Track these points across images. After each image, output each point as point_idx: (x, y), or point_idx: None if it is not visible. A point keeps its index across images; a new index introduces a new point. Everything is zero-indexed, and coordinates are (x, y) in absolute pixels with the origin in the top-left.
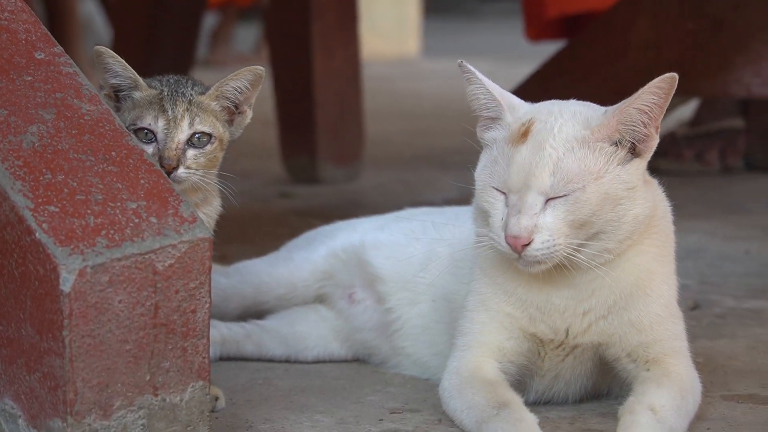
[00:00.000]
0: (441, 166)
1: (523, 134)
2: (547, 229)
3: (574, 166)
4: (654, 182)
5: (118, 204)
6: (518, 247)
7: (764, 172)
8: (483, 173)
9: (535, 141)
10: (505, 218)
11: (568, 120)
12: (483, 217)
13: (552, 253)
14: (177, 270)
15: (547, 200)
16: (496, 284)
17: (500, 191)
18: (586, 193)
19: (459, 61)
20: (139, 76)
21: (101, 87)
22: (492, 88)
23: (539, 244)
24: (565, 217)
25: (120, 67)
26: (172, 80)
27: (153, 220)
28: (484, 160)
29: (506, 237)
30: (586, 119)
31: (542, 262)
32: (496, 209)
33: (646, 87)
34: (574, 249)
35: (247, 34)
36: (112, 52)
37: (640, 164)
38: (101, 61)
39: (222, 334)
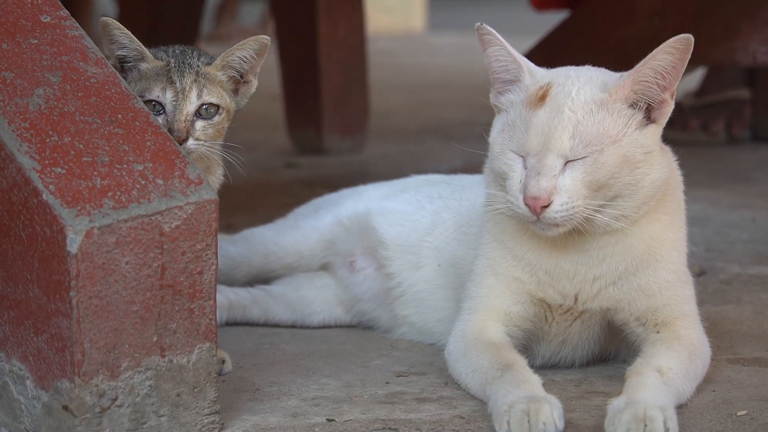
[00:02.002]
0: (445, 138)
1: (541, 98)
2: (566, 191)
3: (593, 128)
4: (668, 150)
5: (125, 166)
6: (537, 208)
7: None
8: (500, 137)
9: (554, 104)
10: (524, 180)
11: (585, 84)
12: (499, 180)
13: (571, 215)
14: (184, 231)
15: (566, 163)
16: (506, 248)
17: (518, 154)
18: (605, 155)
19: (478, 23)
20: (145, 48)
21: (107, 58)
22: (512, 50)
23: (558, 206)
24: (584, 179)
25: (126, 39)
26: (178, 51)
27: (159, 181)
28: (500, 123)
29: (525, 198)
30: (603, 83)
31: (560, 225)
32: (514, 171)
33: (660, 47)
34: (593, 211)
35: (253, 9)
36: (118, 23)
37: (656, 130)
38: (107, 32)
39: (229, 298)
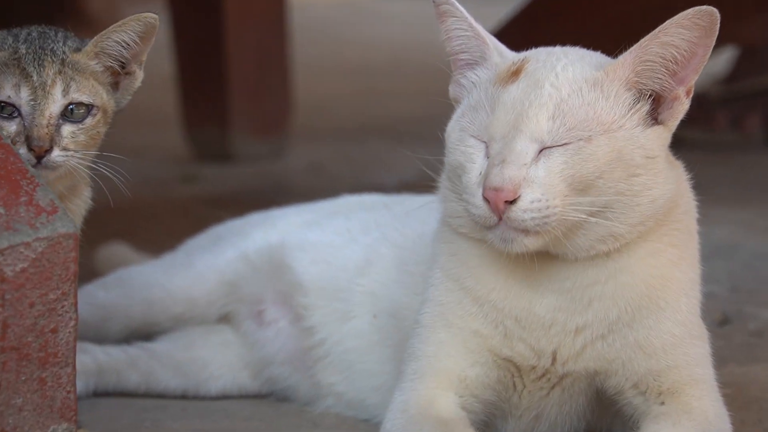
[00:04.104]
0: (395, 139)
1: (514, 73)
2: (540, 185)
3: (581, 110)
4: (680, 166)
5: None
6: (499, 204)
7: None
8: (459, 122)
9: (531, 79)
10: (485, 170)
11: (575, 60)
12: (455, 179)
13: (545, 217)
14: (32, 276)
15: (541, 150)
16: (463, 289)
17: (480, 140)
18: (592, 144)
19: None
20: None
21: None
22: (475, 24)
23: (528, 203)
24: (563, 171)
25: None
26: (35, 33)
27: None
28: (461, 109)
29: (484, 191)
30: (597, 62)
31: (530, 233)
32: (473, 162)
33: (674, 18)
34: (575, 214)
35: None
36: None
37: (663, 133)
38: None
39: (97, 361)
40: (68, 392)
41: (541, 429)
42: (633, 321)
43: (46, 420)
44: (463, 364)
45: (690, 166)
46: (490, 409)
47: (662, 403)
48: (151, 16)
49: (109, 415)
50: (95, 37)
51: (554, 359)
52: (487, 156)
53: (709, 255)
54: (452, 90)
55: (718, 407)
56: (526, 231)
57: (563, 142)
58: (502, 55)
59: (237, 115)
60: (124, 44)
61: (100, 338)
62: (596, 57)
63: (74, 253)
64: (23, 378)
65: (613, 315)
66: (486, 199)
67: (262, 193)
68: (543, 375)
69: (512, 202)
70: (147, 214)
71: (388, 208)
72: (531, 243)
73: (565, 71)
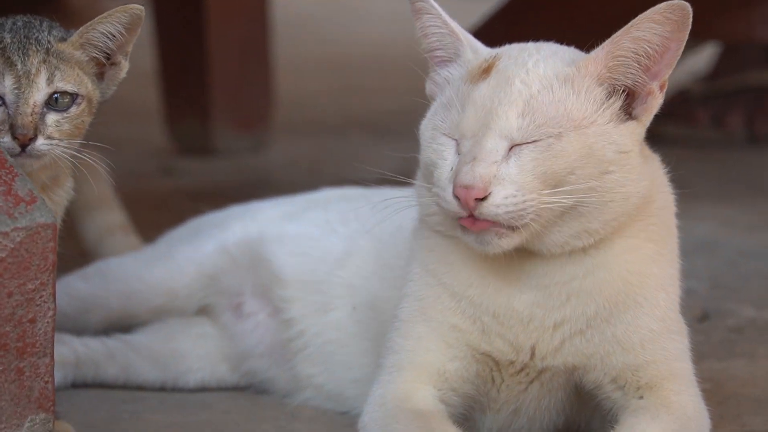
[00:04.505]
0: (377, 134)
1: (485, 70)
2: (512, 182)
3: (551, 107)
4: (656, 158)
5: None
6: (469, 201)
7: None
8: (432, 120)
9: (501, 76)
10: (455, 167)
11: (547, 56)
12: (428, 176)
13: (520, 210)
14: (10, 266)
15: (511, 148)
16: (441, 285)
17: (451, 137)
18: (563, 141)
19: None
20: None
21: None
22: (450, 21)
23: (501, 199)
24: (534, 168)
25: None
26: (20, 23)
27: None
28: (434, 107)
29: (455, 189)
30: (570, 58)
31: (505, 234)
32: (444, 159)
33: (645, 13)
34: (550, 208)
35: None
36: None
37: (637, 128)
38: None
39: (76, 352)
40: (46, 383)
41: (519, 423)
42: (611, 316)
43: (24, 410)
44: (442, 358)
45: (671, 163)
46: (469, 403)
47: (641, 398)
48: (137, 8)
49: (88, 406)
50: (81, 28)
51: (533, 354)
52: (458, 153)
53: (691, 251)
54: (428, 87)
55: (697, 402)
56: (499, 228)
57: (533, 139)
58: (476, 52)
59: (218, 109)
60: (109, 35)
61: (79, 329)
62: (570, 53)
63: (53, 243)
64: (1, 368)
65: (590, 311)
66: (456, 197)
67: (242, 187)
68: (521, 370)
69: (483, 199)
70: (128, 207)
71: (367, 200)
72: (507, 243)
73: (536, 67)
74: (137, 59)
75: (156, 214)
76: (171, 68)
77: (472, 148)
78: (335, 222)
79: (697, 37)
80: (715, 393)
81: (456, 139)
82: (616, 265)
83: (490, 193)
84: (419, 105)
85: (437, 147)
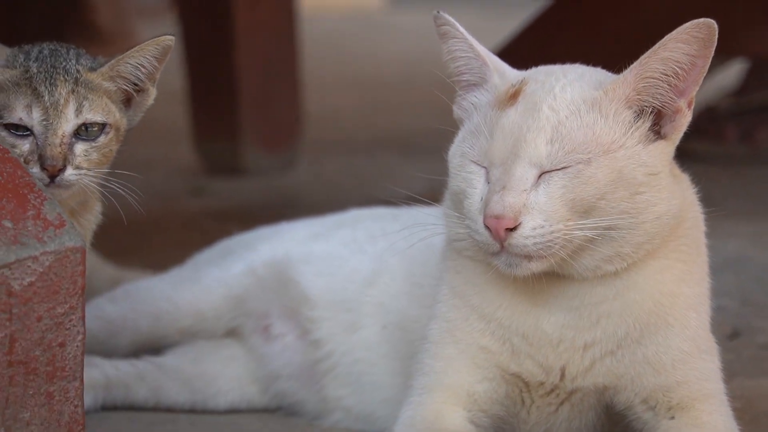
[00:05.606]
0: (404, 153)
1: (513, 95)
2: (541, 211)
3: (579, 133)
4: (685, 178)
5: None
6: (500, 232)
7: None
8: (460, 147)
9: (529, 102)
10: (485, 197)
11: (574, 80)
12: (458, 204)
13: (548, 242)
14: (39, 290)
15: (540, 175)
16: (469, 306)
17: (480, 165)
18: (592, 167)
19: (435, 11)
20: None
21: None
22: (476, 45)
23: (529, 230)
24: (563, 195)
25: None
26: (47, 51)
27: (7, 224)
28: (462, 133)
29: (485, 219)
30: (597, 81)
31: (533, 258)
32: (474, 188)
33: (673, 33)
34: (580, 235)
35: None
36: None
37: (666, 148)
38: None
39: (106, 374)
40: (76, 406)
41: None
42: (642, 337)
43: None
44: (471, 379)
45: (700, 180)
46: (499, 425)
47: (672, 418)
48: (168, 38)
49: (117, 429)
50: (112, 61)
51: (563, 375)
52: (488, 181)
53: (720, 268)
54: (456, 111)
55: (729, 422)
56: (529, 256)
57: (562, 165)
58: (503, 75)
59: (246, 128)
60: (140, 67)
61: (109, 352)
62: (597, 74)
63: (82, 266)
64: (31, 392)
65: (621, 332)
66: (487, 227)
67: (271, 207)
68: (552, 391)
69: (513, 228)
70: (156, 228)
71: (396, 219)
72: (535, 267)
73: (564, 92)
74: (166, 79)
75: (184, 234)
76: (199, 88)
77: (502, 176)
78: (363, 241)
79: (723, 54)
80: (746, 411)
81: (485, 167)
82: (647, 286)
83: (520, 223)
84: (447, 123)
85: (466, 175)
